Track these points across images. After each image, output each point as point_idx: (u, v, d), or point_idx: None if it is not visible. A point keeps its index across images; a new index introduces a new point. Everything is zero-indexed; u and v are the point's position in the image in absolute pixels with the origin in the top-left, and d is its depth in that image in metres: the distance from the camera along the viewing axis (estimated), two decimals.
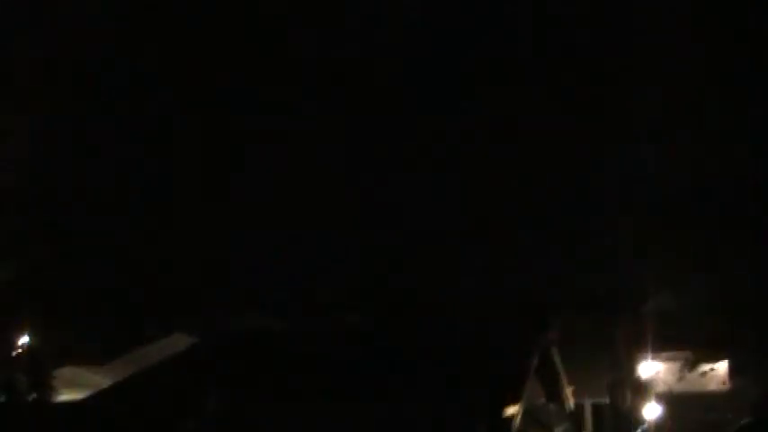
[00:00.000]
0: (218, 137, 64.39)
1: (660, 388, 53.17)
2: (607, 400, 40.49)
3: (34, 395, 39.89)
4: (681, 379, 45.41)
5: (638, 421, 44.43)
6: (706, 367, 42.48)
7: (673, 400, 47.14)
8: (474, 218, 63.53)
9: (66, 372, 43.84)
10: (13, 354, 45.15)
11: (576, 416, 36.02)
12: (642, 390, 48.78)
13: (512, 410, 25.61)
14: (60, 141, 58.68)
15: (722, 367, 50.70)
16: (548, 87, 61.07)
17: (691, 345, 43.23)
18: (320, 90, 66.73)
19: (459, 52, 67.08)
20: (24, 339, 46.15)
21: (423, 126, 64.72)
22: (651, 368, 54.18)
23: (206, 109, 64.19)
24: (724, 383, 54.67)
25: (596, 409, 39.60)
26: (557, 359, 32.23)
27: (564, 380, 32.96)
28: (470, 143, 65.47)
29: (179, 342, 43.68)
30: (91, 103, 61.98)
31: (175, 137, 63.85)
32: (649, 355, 52.07)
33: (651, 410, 42.67)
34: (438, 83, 67.54)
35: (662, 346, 52.20)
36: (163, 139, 63.56)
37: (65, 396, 39.80)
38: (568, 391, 33.36)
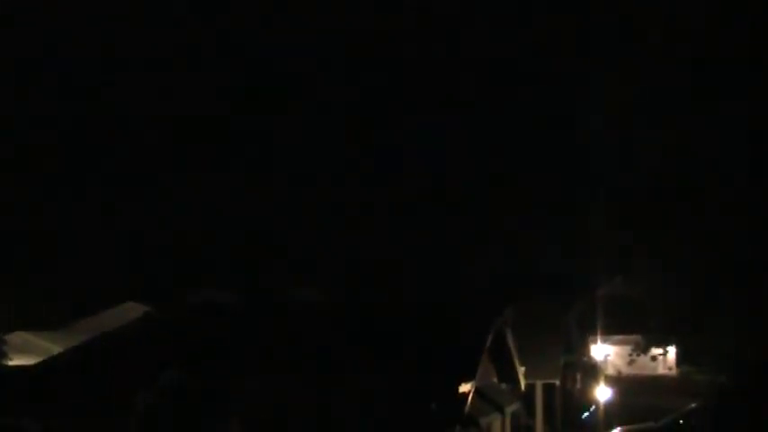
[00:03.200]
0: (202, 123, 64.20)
1: (610, 371, 53.92)
2: (558, 382, 40.92)
3: None
4: (631, 363, 45.96)
5: (588, 403, 45.03)
6: (656, 352, 43.07)
7: (622, 383, 47.77)
8: (433, 200, 63.90)
9: (16, 337, 43.40)
10: None
11: (528, 396, 36.44)
12: (593, 372, 49.43)
13: (465, 389, 25.83)
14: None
15: (671, 352, 51.56)
16: (519, 74, 61.52)
17: (641, 329, 43.80)
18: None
19: (435, 47, 67.26)
20: None
21: (391, 117, 65.01)
22: (602, 351, 54.90)
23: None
24: (671, 369, 55.54)
25: (547, 390, 40.05)
26: (510, 340, 32.55)
27: (516, 361, 33.31)
28: (441, 130, 65.74)
29: (132, 311, 43.43)
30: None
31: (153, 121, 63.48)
32: (600, 339, 52.76)
33: (601, 393, 43.21)
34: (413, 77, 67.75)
35: (613, 329, 52.90)
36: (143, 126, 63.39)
37: (15, 362, 39.44)
38: (520, 372, 33.72)
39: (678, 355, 54.19)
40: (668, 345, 44.04)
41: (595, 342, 52.78)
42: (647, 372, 52.59)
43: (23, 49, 61.36)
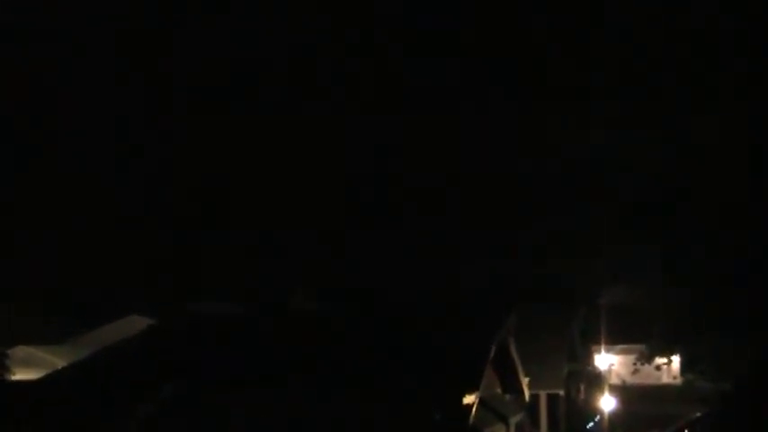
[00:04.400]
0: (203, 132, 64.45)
1: (614, 380, 53.77)
2: (562, 392, 40.85)
3: None
4: (635, 372, 45.88)
5: (593, 412, 44.93)
6: (660, 361, 42.97)
7: (626, 393, 47.64)
8: (431, 208, 63.97)
9: (20, 351, 43.38)
10: None
11: (532, 406, 36.38)
12: (597, 382, 49.31)
13: (469, 400, 25.78)
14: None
15: (675, 361, 51.42)
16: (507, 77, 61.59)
17: (645, 338, 43.74)
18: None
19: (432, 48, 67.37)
20: None
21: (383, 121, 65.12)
22: (606, 361, 54.76)
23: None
24: (675, 377, 55.39)
25: (551, 400, 39.98)
26: (513, 351, 32.51)
27: (520, 371, 33.25)
28: (434, 133, 65.78)
29: (135, 324, 43.38)
30: None
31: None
32: (604, 348, 52.61)
33: (605, 402, 43.12)
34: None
35: (617, 338, 52.75)
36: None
37: (19, 376, 39.42)
38: (524, 382, 33.67)
39: (682, 363, 54.03)
40: (672, 353, 43.92)
41: (599, 351, 52.64)
42: (652, 381, 52.45)
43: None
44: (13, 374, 39.97)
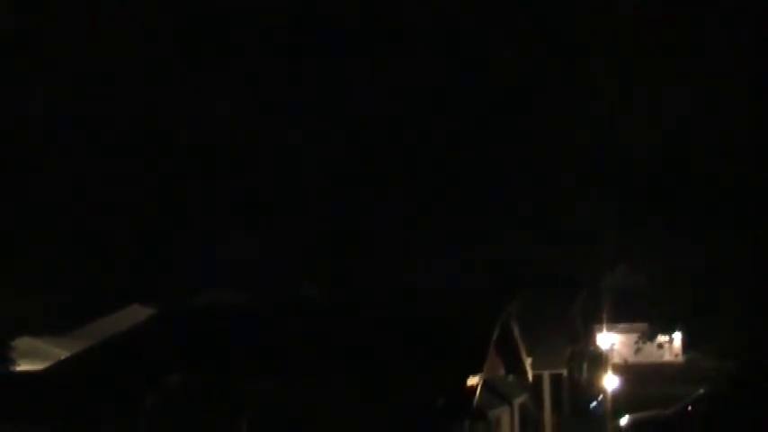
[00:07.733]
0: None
1: (616, 359, 53.95)
2: (565, 372, 40.94)
3: None
4: (637, 351, 46.08)
5: (596, 392, 45.05)
6: (662, 339, 43.12)
7: (628, 372, 47.80)
8: (434, 192, 64.01)
9: (23, 342, 43.41)
10: None
11: (535, 387, 36.47)
12: (599, 361, 49.45)
13: (472, 382, 25.85)
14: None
15: (677, 339, 51.58)
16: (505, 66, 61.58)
17: (647, 317, 43.82)
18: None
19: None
20: None
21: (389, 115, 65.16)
22: (608, 340, 54.97)
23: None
24: (677, 355, 55.57)
25: (554, 381, 40.07)
26: (516, 332, 32.55)
27: (523, 352, 33.30)
28: (437, 120, 65.90)
29: (137, 314, 43.43)
30: None
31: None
32: (605, 327, 52.76)
33: (608, 382, 43.21)
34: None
35: (618, 318, 52.88)
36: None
37: (22, 367, 39.48)
38: (527, 363, 33.73)
39: (684, 341, 54.16)
40: (674, 332, 44.08)
41: (601, 331, 52.79)
42: (654, 359, 52.66)
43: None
44: (17, 365, 40.07)
